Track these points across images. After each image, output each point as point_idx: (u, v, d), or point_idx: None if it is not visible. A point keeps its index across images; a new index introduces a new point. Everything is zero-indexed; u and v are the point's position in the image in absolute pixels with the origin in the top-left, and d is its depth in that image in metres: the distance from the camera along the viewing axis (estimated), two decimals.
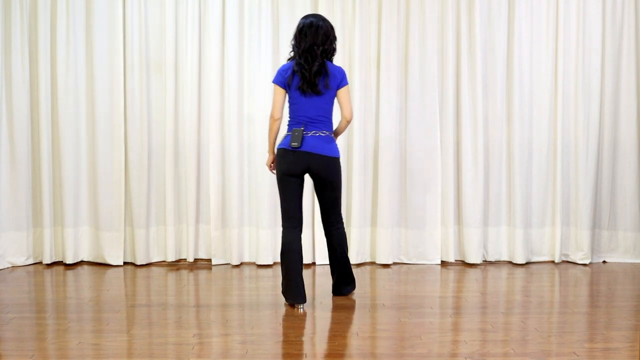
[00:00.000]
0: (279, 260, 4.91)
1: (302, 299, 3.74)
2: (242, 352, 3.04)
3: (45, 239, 4.78)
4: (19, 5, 4.71)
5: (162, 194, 4.88)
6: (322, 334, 3.34)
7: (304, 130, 3.71)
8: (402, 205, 4.94)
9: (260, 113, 4.80)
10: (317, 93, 3.72)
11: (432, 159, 4.89)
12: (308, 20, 3.73)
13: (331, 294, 4.06)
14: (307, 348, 3.12)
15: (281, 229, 3.82)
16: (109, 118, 4.79)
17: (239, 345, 3.14)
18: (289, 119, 3.82)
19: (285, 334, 3.31)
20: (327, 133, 3.78)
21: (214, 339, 3.23)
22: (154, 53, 4.82)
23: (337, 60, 4.81)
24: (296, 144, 3.66)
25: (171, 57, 4.78)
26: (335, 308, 3.79)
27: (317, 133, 3.74)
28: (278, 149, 3.78)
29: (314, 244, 4.90)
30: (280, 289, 4.00)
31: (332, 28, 3.77)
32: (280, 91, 3.75)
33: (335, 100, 3.85)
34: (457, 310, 3.77)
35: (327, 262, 4.86)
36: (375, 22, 4.84)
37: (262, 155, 4.77)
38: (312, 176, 3.78)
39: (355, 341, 3.21)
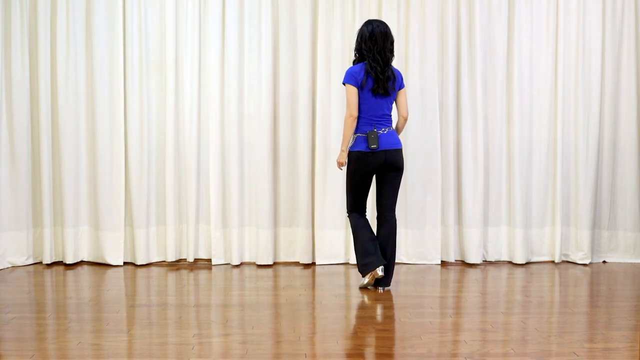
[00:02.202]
0: (279, 260, 4.92)
1: (383, 261, 4.02)
2: (242, 352, 3.04)
3: (45, 239, 4.78)
4: (19, 5, 4.71)
5: (162, 194, 4.88)
6: (322, 334, 3.34)
7: (377, 131, 3.99)
8: (402, 205, 4.94)
9: (260, 113, 4.80)
10: (387, 94, 4.01)
11: (432, 159, 4.89)
12: (376, 25, 4.01)
13: (332, 294, 4.06)
14: (307, 348, 3.12)
15: (349, 219, 4.15)
16: (109, 118, 4.79)
17: (239, 345, 3.14)
18: (358, 118, 4.03)
19: (285, 334, 3.31)
20: (393, 128, 4.11)
21: (214, 339, 3.23)
22: (154, 53, 4.82)
23: (337, 60, 4.83)
24: (375, 145, 3.96)
25: (171, 57, 4.78)
26: (335, 308, 3.79)
27: (385, 130, 4.04)
28: (354, 152, 4.02)
29: (314, 244, 4.90)
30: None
31: (392, 33, 4.09)
32: (355, 91, 3.99)
33: None
34: (457, 310, 3.77)
35: (327, 262, 4.88)
36: None
37: (263, 154, 4.78)
38: (385, 169, 4.05)
39: (355, 341, 3.21)
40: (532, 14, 4.89)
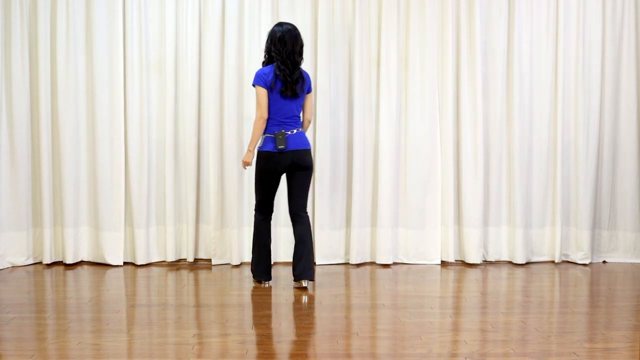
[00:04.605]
0: (279, 260, 4.92)
1: (270, 277, 4.32)
2: (242, 352, 3.04)
3: (45, 239, 4.78)
4: (19, 5, 4.70)
5: (162, 194, 4.88)
6: (322, 334, 3.34)
7: (285, 132, 4.08)
8: (402, 205, 4.94)
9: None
10: (295, 96, 4.11)
11: (432, 159, 4.89)
12: (286, 28, 4.13)
13: (332, 294, 4.06)
14: (307, 348, 3.12)
15: (254, 217, 4.28)
16: (109, 118, 4.78)
17: (239, 345, 3.14)
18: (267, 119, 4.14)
19: (285, 334, 3.31)
20: (301, 129, 4.21)
21: (214, 339, 3.23)
22: (154, 53, 4.82)
23: (338, 59, 4.83)
24: (283, 146, 4.06)
25: (171, 57, 4.78)
26: (336, 308, 3.79)
27: (294, 131, 4.14)
28: (263, 152, 4.13)
29: (314, 244, 4.89)
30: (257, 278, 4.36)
31: (301, 37, 4.21)
32: (265, 92, 4.08)
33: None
34: (457, 310, 3.78)
35: (327, 262, 4.89)
36: (375, 22, 4.84)
37: None
38: (293, 168, 4.14)
39: (355, 341, 3.21)
40: (532, 14, 4.89)
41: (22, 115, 4.73)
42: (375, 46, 4.86)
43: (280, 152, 4.07)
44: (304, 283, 4.16)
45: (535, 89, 4.92)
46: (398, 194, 4.93)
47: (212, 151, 4.79)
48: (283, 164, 4.10)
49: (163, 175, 4.86)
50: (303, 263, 4.13)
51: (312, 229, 4.86)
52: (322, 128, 4.82)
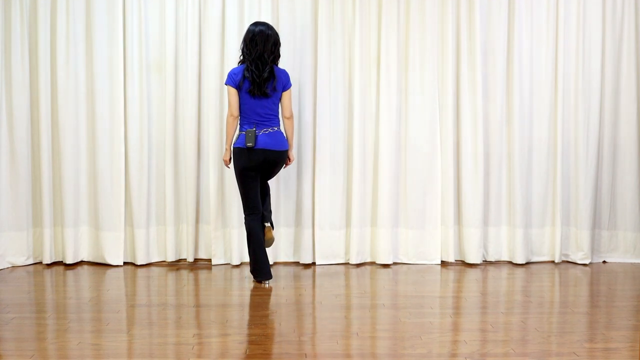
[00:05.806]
0: (279, 260, 4.92)
1: (269, 276, 4.33)
2: (242, 352, 3.04)
3: (45, 239, 4.78)
4: (19, 5, 4.71)
5: (162, 194, 4.88)
6: (322, 334, 3.34)
7: (255, 130, 4.14)
8: (402, 205, 4.94)
9: None
10: (266, 95, 4.18)
11: (432, 159, 4.89)
12: (258, 29, 4.20)
13: (332, 294, 4.07)
14: (307, 348, 3.12)
15: (244, 220, 4.34)
16: (109, 118, 4.78)
17: (239, 345, 3.14)
18: (240, 119, 4.25)
19: (285, 334, 3.31)
20: (276, 129, 4.25)
21: (214, 339, 3.23)
22: (154, 53, 4.82)
23: (338, 59, 4.83)
24: (251, 144, 4.14)
25: (171, 57, 4.78)
26: (335, 308, 3.79)
27: (267, 130, 4.21)
28: (235, 148, 4.24)
29: (314, 244, 4.90)
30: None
31: (278, 35, 4.27)
32: (235, 92, 4.20)
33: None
34: (457, 310, 3.78)
35: (327, 262, 4.89)
36: (375, 21, 4.84)
37: None
38: (266, 166, 4.24)
39: (355, 341, 3.21)
40: (532, 14, 4.89)
41: (22, 115, 4.73)
42: (375, 46, 4.86)
43: (250, 149, 4.14)
44: (267, 224, 4.36)
45: (535, 89, 4.92)
46: (398, 194, 4.93)
47: (212, 151, 4.79)
48: (254, 161, 4.17)
49: (163, 175, 4.86)
50: (267, 213, 4.40)
51: (312, 228, 4.91)
52: (321, 128, 4.82)
